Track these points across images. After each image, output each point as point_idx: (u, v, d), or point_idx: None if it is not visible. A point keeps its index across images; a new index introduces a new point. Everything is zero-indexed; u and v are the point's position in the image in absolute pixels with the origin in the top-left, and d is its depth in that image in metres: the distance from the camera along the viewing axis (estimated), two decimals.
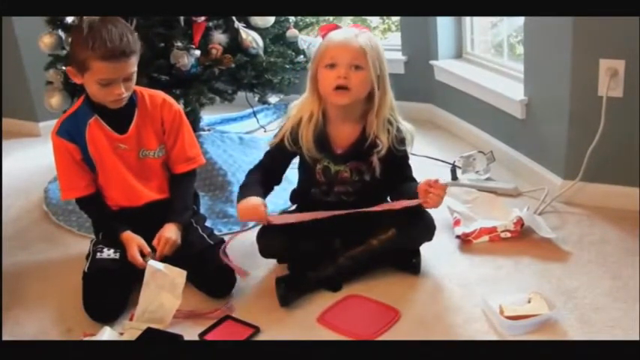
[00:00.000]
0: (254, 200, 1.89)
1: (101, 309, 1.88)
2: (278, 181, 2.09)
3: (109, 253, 1.96)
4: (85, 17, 2.22)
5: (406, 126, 1.99)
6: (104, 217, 2.05)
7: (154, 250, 1.94)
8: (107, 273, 1.92)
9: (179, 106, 2.08)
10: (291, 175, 2.18)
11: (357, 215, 1.93)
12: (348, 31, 1.91)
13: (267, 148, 2.08)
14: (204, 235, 2.07)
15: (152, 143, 2.01)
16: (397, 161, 2.00)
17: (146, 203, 2.04)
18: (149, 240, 1.97)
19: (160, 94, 2.05)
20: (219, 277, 1.98)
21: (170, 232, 1.96)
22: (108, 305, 1.89)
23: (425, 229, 2.00)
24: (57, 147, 1.99)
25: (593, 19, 2.13)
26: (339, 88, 1.86)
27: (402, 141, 1.97)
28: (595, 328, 1.71)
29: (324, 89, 1.90)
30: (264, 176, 2.03)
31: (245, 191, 1.95)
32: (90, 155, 1.97)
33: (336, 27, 1.94)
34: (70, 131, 1.97)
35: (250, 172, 2.07)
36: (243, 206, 1.90)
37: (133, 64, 1.86)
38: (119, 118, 1.96)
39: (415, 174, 2.38)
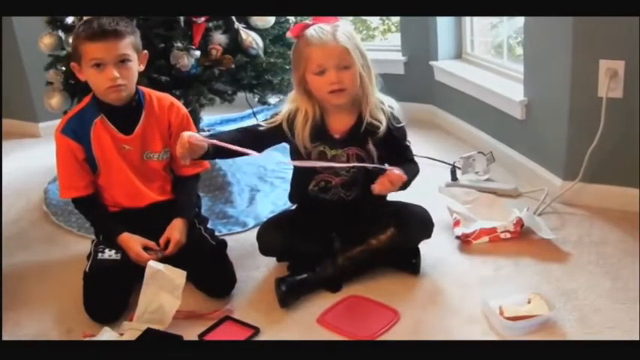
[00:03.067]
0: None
1: (102, 309, 1.88)
2: (258, 150, 1.95)
3: (110, 253, 1.96)
4: (84, 18, 2.24)
5: (389, 99, 1.98)
6: (101, 219, 2.05)
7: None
8: (108, 273, 1.92)
9: (186, 110, 2.08)
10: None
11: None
12: (324, 30, 1.86)
13: (260, 123, 1.99)
14: (207, 236, 2.07)
15: (157, 146, 2.01)
16: (396, 142, 1.97)
17: (148, 204, 2.04)
18: (153, 240, 1.97)
19: (168, 97, 2.05)
20: (220, 278, 1.98)
21: (178, 231, 1.96)
22: (108, 306, 1.89)
23: (423, 227, 2.00)
24: (60, 145, 1.98)
25: (593, 20, 2.14)
26: (334, 91, 1.86)
27: (396, 118, 1.96)
28: (595, 328, 1.71)
29: (319, 94, 1.90)
30: (244, 136, 1.92)
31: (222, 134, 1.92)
32: (93, 155, 1.97)
33: (306, 25, 1.89)
34: (76, 130, 1.97)
35: (232, 130, 2.02)
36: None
37: (123, 46, 1.86)
38: (125, 119, 1.97)
39: None
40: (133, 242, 1.94)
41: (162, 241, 1.95)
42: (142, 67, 1.97)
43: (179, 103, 2.07)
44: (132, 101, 1.96)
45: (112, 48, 1.85)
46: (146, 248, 1.94)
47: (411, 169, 1.94)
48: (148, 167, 2.03)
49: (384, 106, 1.95)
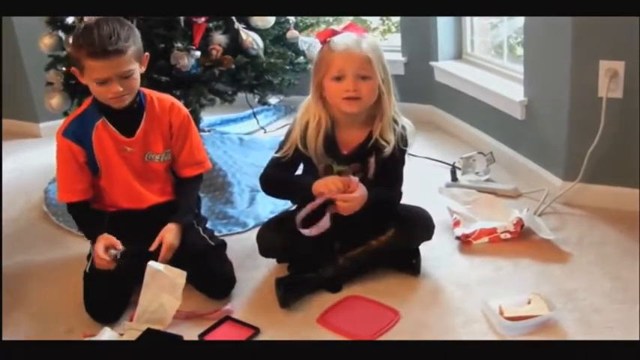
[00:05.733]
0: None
1: (102, 309, 1.88)
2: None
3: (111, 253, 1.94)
4: (85, 18, 2.24)
5: (406, 121, 1.99)
6: (87, 220, 2.01)
7: (152, 255, 1.92)
8: (108, 274, 1.91)
9: (187, 111, 2.06)
10: None
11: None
12: (350, 38, 1.87)
13: (275, 154, 2.01)
14: (206, 237, 2.07)
15: (158, 147, 2.00)
16: (390, 164, 1.96)
17: (150, 206, 2.03)
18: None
19: (169, 98, 2.04)
20: (219, 279, 1.98)
21: (171, 235, 1.95)
22: (109, 306, 1.89)
23: (424, 228, 2.01)
24: (61, 148, 1.96)
25: (593, 20, 2.14)
26: (348, 98, 1.86)
27: (405, 140, 1.96)
28: (595, 329, 1.71)
29: (334, 100, 1.89)
30: (285, 179, 2.01)
31: (301, 178, 1.97)
32: (95, 157, 1.96)
33: (334, 32, 1.90)
34: (77, 133, 1.95)
35: (272, 180, 2.02)
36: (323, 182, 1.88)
37: (126, 62, 1.83)
38: (127, 121, 1.95)
39: (415, 174, 2.38)
40: (99, 242, 1.88)
41: (155, 244, 1.93)
42: (144, 69, 1.95)
43: (180, 104, 2.06)
44: (133, 103, 1.95)
45: (115, 66, 1.81)
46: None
47: (381, 194, 1.95)
48: (150, 169, 2.02)
49: (397, 126, 1.94)
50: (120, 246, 1.89)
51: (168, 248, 1.92)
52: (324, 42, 1.91)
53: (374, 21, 4.20)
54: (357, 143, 1.95)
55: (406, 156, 2.01)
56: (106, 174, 1.99)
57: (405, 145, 1.97)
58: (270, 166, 2.02)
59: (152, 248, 1.92)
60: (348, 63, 1.84)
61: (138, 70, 1.89)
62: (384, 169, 1.96)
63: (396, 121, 1.95)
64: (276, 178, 2.01)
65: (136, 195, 2.01)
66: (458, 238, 2.21)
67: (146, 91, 2.00)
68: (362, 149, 1.95)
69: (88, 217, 2.02)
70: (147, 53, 1.95)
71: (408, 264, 2.02)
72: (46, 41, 2.57)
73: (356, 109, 1.88)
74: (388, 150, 1.91)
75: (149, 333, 1.76)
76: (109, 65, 1.81)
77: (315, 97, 1.93)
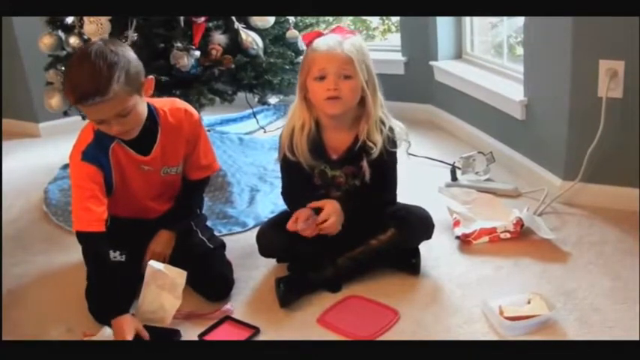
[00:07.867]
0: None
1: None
2: (311, 188, 2.03)
3: (114, 255, 1.92)
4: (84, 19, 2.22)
5: (397, 124, 1.99)
6: (108, 280, 1.81)
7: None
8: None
9: (197, 114, 2.00)
10: None
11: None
12: (332, 38, 1.88)
13: (279, 165, 2.06)
14: (204, 239, 2.06)
15: (176, 159, 1.95)
16: (382, 166, 1.96)
17: (160, 215, 2.03)
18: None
19: (180, 106, 1.95)
20: (217, 283, 1.97)
21: (160, 245, 1.97)
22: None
23: (423, 228, 2.01)
24: (80, 173, 1.82)
25: (593, 20, 2.14)
26: (330, 98, 1.86)
27: (393, 142, 1.97)
28: (594, 328, 1.71)
29: (316, 101, 1.90)
30: (299, 190, 2.01)
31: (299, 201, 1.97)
32: (112, 179, 1.87)
33: (319, 34, 1.92)
34: (96, 156, 1.83)
35: (288, 194, 2.06)
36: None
37: (119, 102, 1.68)
38: (142, 139, 1.86)
39: (415, 174, 2.39)
40: (124, 329, 1.72)
41: (148, 255, 1.95)
42: (150, 92, 1.82)
43: (191, 108, 1.98)
44: (145, 122, 1.84)
45: (106, 110, 1.68)
46: None
47: (361, 200, 1.97)
48: (166, 182, 1.98)
49: (384, 127, 1.94)
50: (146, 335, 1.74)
51: (157, 256, 1.94)
52: (308, 45, 1.92)
53: (374, 21, 4.21)
54: (345, 147, 1.97)
55: (397, 157, 2.01)
56: (121, 193, 1.92)
57: (393, 146, 1.97)
58: (283, 180, 2.07)
59: (146, 259, 1.93)
60: (330, 62, 1.85)
61: (139, 101, 1.76)
62: (374, 171, 1.97)
63: (383, 123, 1.95)
64: (286, 198, 2.07)
65: (145, 210, 2.00)
66: (458, 237, 2.21)
67: (156, 104, 1.90)
68: (351, 153, 1.96)
69: (105, 268, 1.83)
70: (150, 77, 1.82)
71: (408, 263, 2.02)
72: (46, 41, 2.56)
73: (338, 109, 1.89)
74: (375, 152, 1.92)
75: (149, 332, 1.75)
76: (97, 110, 1.69)
77: (299, 98, 1.95)
